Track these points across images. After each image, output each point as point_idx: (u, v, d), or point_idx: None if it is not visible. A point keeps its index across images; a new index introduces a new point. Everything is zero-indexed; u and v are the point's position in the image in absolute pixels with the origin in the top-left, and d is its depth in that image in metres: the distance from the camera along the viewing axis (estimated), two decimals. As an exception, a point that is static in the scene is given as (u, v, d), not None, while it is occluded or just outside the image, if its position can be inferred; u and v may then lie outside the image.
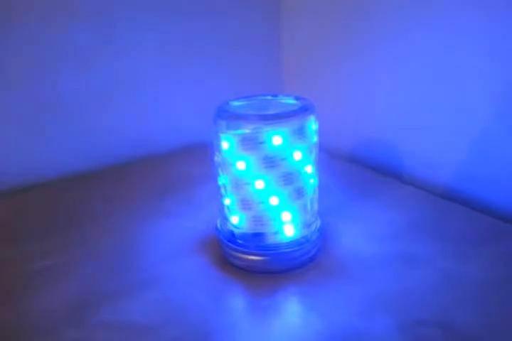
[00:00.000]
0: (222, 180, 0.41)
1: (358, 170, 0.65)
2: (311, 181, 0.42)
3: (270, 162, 0.38)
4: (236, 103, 0.42)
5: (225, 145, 0.39)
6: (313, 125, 0.40)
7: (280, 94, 0.44)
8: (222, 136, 0.39)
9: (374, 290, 0.39)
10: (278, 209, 0.40)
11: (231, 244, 0.42)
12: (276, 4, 0.75)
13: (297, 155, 0.39)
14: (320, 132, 0.42)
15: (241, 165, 0.39)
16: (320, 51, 0.72)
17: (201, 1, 0.68)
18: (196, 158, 0.66)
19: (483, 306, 0.37)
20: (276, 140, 0.38)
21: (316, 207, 0.44)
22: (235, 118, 0.39)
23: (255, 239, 0.41)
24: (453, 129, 0.56)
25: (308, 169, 0.41)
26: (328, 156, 0.67)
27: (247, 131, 0.38)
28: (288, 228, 0.41)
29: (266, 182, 0.39)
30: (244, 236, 0.42)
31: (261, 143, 0.38)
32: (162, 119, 0.70)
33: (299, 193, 0.41)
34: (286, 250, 0.41)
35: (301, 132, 0.39)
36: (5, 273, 0.43)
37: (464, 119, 0.55)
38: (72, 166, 0.65)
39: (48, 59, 0.59)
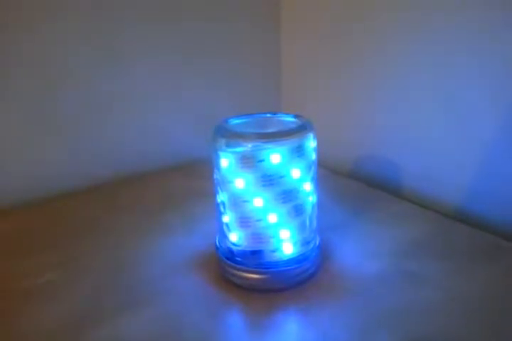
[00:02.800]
0: (221, 197, 0.42)
1: (357, 186, 0.65)
2: (310, 198, 0.42)
3: (269, 180, 0.38)
4: (235, 121, 0.42)
5: (224, 162, 0.40)
6: (311, 143, 0.40)
7: (279, 112, 0.44)
8: (221, 153, 0.40)
9: (374, 308, 0.39)
10: (277, 226, 0.40)
11: (230, 262, 0.42)
12: (277, 19, 0.76)
13: (296, 173, 0.39)
14: (319, 148, 0.42)
15: (240, 183, 0.39)
16: (319, 67, 0.73)
17: (201, 17, 0.69)
18: (195, 175, 0.66)
19: (486, 323, 0.37)
20: (275, 158, 0.38)
21: (315, 224, 0.44)
22: (234, 136, 0.39)
23: (254, 257, 0.41)
24: (454, 146, 0.57)
25: (307, 186, 0.41)
26: (327, 172, 0.68)
27: (246, 149, 0.38)
28: (287, 246, 0.41)
29: (264, 200, 0.39)
30: (243, 254, 0.42)
31: (260, 161, 0.38)
32: (161, 135, 0.71)
33: (298, 211, 0.41)
34: (285, 268, 0.41)
35: (299, 150, 0.39)
36: (4, 288, 0.43)
37: (466, 136, 0.55)
38: (69, 182, 0.65)
39: (48, 74, 0.60)
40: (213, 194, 0.43)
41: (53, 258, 0.48)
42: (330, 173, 0.68)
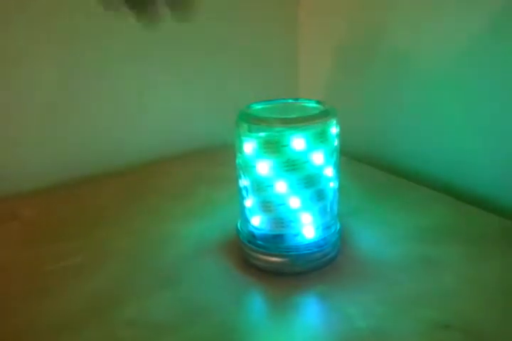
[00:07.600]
0: (243, 182, 0.42)
1: (377, 173, 0.65)
2: (332, 184, 0.42)
3: (292, 165, 0.39)
4: (258, 106, 0.43)
5: (247, 147, 0.40)
6: (334, 128, 0.41)
7: (301, 98, 0.44)
8: (244, 138, 0.40)
9: (394, 293, 0.39)
10: (298, 211, 0.41)
11: (251, 245, 0.43)
12: (295, 9, 0.76)
13: (318, 159, 0.40)
14: (340, 135, 0.42)
15: (263, 168, 0.40)
16: (337, 55, 0.72)
17: (219, 6, 0.69)
18: (218, 161, 0.66)
19: (505, 308, 0.37)
20: (299, 143, 0.38)
21: (336, 209, 0.44)
22: (258, 121, 0.39)
23: (275, 241, 0.42)
24: (472, 133, 0.56)
25: (329, 172, 0.41)
26: (348, 159, 0.67)
27: (270, 133, 0.38)
28: (308, 230, 0.42)
29: (287, 185, 0.40)
30: (265, 238, 0.42)
31: (283, 146, 0.38)
32: (184, 122, 0.72)
33: (320, 196, 0.41)
34: (306, 251, 0.42)
35: (322, 135, 0.39)
36: (30, 271, 0.44)
37: (481, 123, 0.55)
38: (93, 169, 0.66)
39: (72, 61, 0.61)
40: (236, 179, 0.44)
41: (78, 242, 0.49)
42: (351, 160, 0.68)
